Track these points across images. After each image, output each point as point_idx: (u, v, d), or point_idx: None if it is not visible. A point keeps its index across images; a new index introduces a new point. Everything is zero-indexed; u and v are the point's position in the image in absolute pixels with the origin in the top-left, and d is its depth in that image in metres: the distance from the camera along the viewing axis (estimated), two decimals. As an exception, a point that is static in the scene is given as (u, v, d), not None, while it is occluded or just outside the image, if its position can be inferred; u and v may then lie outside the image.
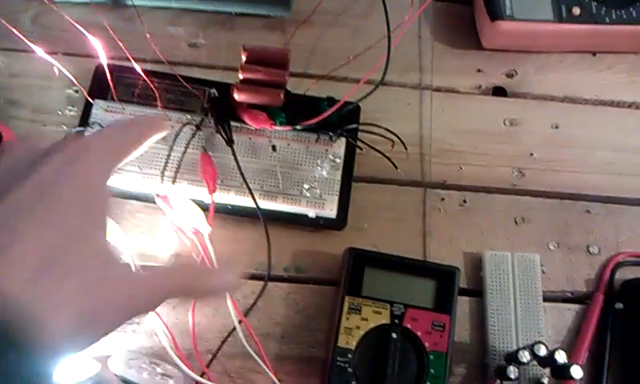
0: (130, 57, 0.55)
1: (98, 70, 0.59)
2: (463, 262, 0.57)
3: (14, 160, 0.31)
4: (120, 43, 0.55)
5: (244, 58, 0.53)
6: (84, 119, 0.58)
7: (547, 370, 0.51)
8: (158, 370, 0.51)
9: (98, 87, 0.59)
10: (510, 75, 0.65)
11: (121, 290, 0.30)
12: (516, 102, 0.64)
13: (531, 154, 0.62)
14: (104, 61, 0.54)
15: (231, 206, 0.56)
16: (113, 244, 0.32)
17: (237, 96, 0.54)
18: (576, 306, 0.56)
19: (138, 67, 0.54)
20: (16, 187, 0.28)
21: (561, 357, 0.47)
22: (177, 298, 0.35)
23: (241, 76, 0.53)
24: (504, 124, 0.63)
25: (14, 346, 0.24)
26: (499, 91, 0.65)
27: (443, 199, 0.59)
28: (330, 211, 0.55)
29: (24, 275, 0.26)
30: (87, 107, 0.58)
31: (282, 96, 0.53)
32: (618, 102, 0.65)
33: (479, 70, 0.65)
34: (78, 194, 0.30)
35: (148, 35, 0.57)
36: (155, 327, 0.52)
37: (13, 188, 0.28)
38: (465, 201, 0.60)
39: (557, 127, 0.63)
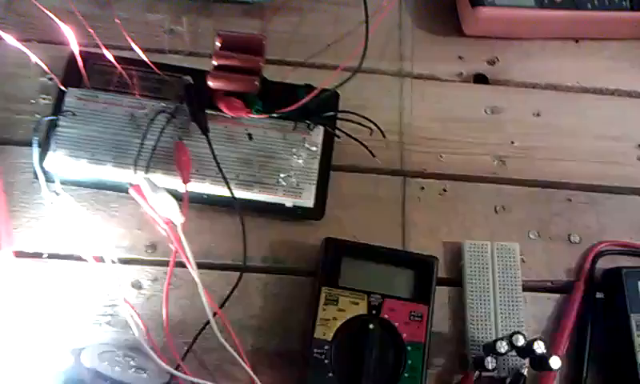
0: (100, 44, 0.54)
1: (71, 58, 0.57)
2: (443, 251, 0.56)
3: None
4: (90, 30, 0.54)
5: (218, 45, 0.52)
6: (57, 108, 0.57)
7: (527, 361, 0.50)
8: (132, 362, 0.50)
9: (72, 75, 0.57)
10: (491, 62, 0.65)
11: None
12: (497, 89, 0.64)
13: (512, 142, 0.61)
14: (75, 48, 0.53)
15: (207, 195, 0.55)
16: None
17: (211, 83, 0.52)
18: (556, 296, 0.56)
19: (109, 54, 0.53)
20: None
21: (539, 347, 0.47)
22: None
23: (215, 63, 0.52)
24: (485, 112, 0.62)
25: None
26: (480, 79, 0.64)
27: (423, 188, 0.59)
28: (308, 200, 0.54)
29: None
30: (60, 95, 0.57)
31: (257, 83, 0.52)
32: (600, 90, 0.64)
33: (460, 57, 0.65)
34: None
35: (118, 21, 0.56)
36: (129, 319, 0.51)
37: None
38: (445, 190, 0.59)
39: (538, 115, 0.63)
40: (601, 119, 0.63)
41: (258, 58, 0.53)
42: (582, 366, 0.53)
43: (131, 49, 0.57)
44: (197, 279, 0.51)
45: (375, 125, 0.56)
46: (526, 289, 0.55)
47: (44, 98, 0.59)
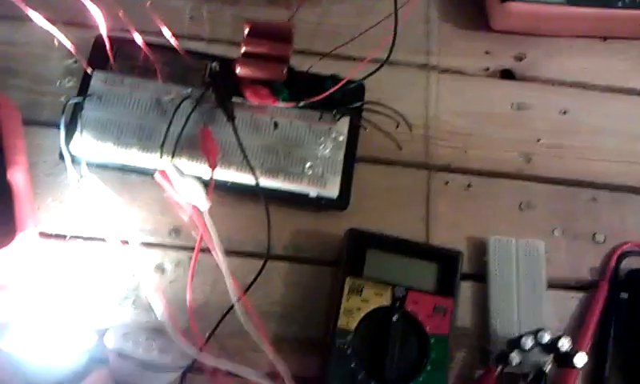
0: (130, 27, 0.54)
1: (98, 41, 0.57)
2: (466, 246, 0.56)
3: None
4: (120, 14, 0.54)
5: (246, 32, 0.52)
6: (82, 90, 0.56)
7: (548, 358, 0.50)
8: (155, 344, 0.50)
9: (98, 58, 0.57)
10: (518, 58, 0.64)
11: None
12: (524, 85, 0.63)
13: (538, 140, 0.61)
14: (104, 31, 0.53)
15: (231, 182, 0.55)
16: None
17: (239, 70, 0.52)
18: (580, 295, 0.56)
19: (139, 38, 0.53)
20: None
21: (565, 344, 0.47)
22: None
23: (243, 49, 0.52)
24: (511, 108, 0.62)
25: None
26: (507, 74, 0.64)
27: (447, 183, 0.58)
28: (332, 191, 0.54)
29: None
30: (86, 78, 0.57)
31: (285, 71, 0.52)
32: (627, 89, 0.64)
33: (487, 52, 0.64)
34: None
35: (148, 3, 0.56)
36: (153, 302, 0.51)
37: None
38: (469, 185, 0.58)
39: (565, 113, 0.62)
40: (627, 119, 0.62)
41: (286, 46, 0.52)
42: (603, 365, 0.53)
43: (155, 34, 0.57)
44: (223, 264, 0.51)
45: (402, 117, 0.55)
46: (549, 287, 0.55)
47: (69, 81, 0.59)
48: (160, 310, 0.51)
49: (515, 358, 0.47)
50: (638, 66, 0.65)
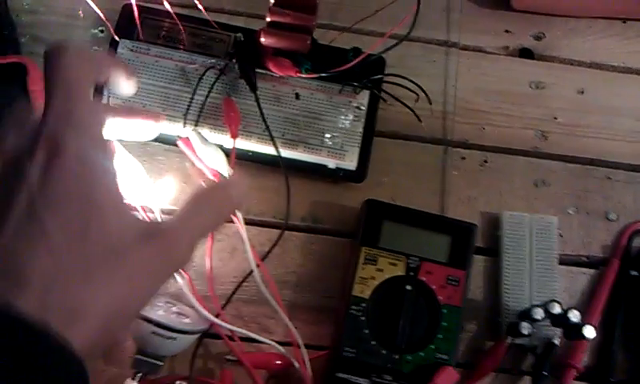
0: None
1: (126, 10, 0.59)
2: (480, 221, 0.57)
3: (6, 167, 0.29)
4: (149, -18, 0.55)
5: (272, 1, 0.53)
6: (109, 58, 0.58)
7: (558, 332, 0.51)
8: (174, 308, 0.51)
9: (125, 27, 0.59)
10: (537, 38, 0.65)
11: (149, 260, 0.30)
12: (543, 65, 0.64)
13: (555, 118, 0.61)
14: None
15: (252, 152, 0.56)
16: (127, 207, 0.31)
17: (263, 39, 0.53)
18: (591, 271, 0.56)
19: (168, 6, 0.54)
20: (10, 207, 0.28)
21: (575, 316, 0.48)
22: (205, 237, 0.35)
23: (268, 19, 0.53)
24: (530, 87, 0.62)
25: (58, 349, 0.25)
26: (526, 53, 0.64)
27: (464, 158, 0.59)
28: (351, 163, 0.55)
29: (44, 286, 0.26)
30: (113, 46, 0.58)
31: (308, 41, 0.53)
32: (645, 71, 0.64)
33: (507, 31, 0.65)
34: (71, 191, 0.28)
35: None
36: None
37: (7, 209, 0.28)
38: (485, 161, 0.59)
39: (582, 92, 0.63)
40: (643, 100, 0.63)
41: (311, 17, 0.53)
42: (612, 341, 0.54)
43: (181, 6, 0.58)
44: (242, 231, 0.52)
45: (422, 90, 0.56)
46: (561, 262, 0.55)
47: (95, 49, 0.60)
48: (179, 275, 0.52)
49: (526, 327, 0.49)
50: (657, 49, 0.65)
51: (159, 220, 0.52)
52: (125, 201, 0.31)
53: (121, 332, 0.30)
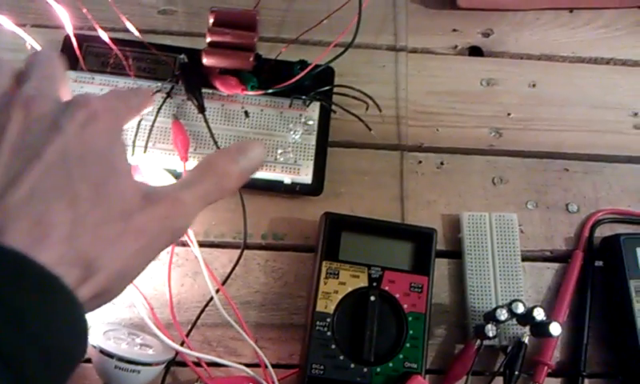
0: (95, 24, 0.54)
1: (67, 41, 0.57)
2: (442, 224, 0.57)
3: (33, 119, 0.31)
4: (85, 11, 0.54)
5: (211, 21, 0.52)
6: (52, 91, 0.56)
7: (527, 330, 0.51)
8: (137, 340, 0.50)
9: (67, 58, 0.57)
10: (485, 34, 0.65)
11: (150, 223, 0.31)
12: (492, 61, 0.64)
13: (508, 114, 0.61)
14: (70, 31, 0.52)
15: (205, 174, 0.55)
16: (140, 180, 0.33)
17: (205, 60, 0.52)
18: (555, 265, 0.56)
19: (104, 35, 0.53)
20: (40, 155, 0.29)
21: (539, 314, 0.47)
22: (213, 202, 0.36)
23: (208, 39, 0.52)
24: (481, 84, 0.62)
25: (69, 296, 0.26)
26: (475, 51, 0.64)
27: (420, 162, 0.59)
28: (306, 176, 0.55)
29: (63, 236, 0.27)
30: (55, 78, 0.57)
31: (251, 59, 0.52)
32: (595, 59, 0.65)
33: (455, 30, 0.65)
34: (99, 151, 0.31)
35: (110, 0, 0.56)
36: (133, 298, 0.51)
37: (37, 156, 0.29)
38: (442, 163, 0.59)
39: (534, 86, 0.63)
40: (596, 88, 0.63)
41: (252, 34, 0.52)
42: (582, 334, 0.53)
43: (125, 30, 0.57)
44: (199, 256, 0.51)
45: (371, 98, 0.56)
46: (524, 259, 0.55)
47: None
48: (141, 305, 0.51)
49: (491, 330, 0.48)
50: (605, 36, 0.65)
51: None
52: (132, 167, 0.33)
53: (118, 293, 0.31)
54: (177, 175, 0.53)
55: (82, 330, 0.27)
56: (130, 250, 0.30)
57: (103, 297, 0.30)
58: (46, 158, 0.29)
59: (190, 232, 0.52)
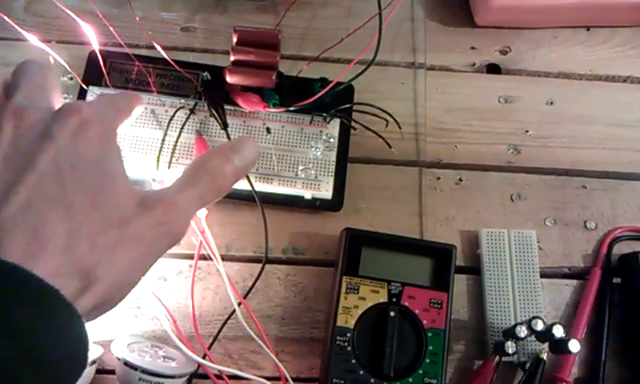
0: (120, 41, 0.55)
1: (92, 57, 0.58)
2: (460, 240, 0.57)
3: (24, 128, 0.30)
4: (111, 29, 0.55)
5: (235, 40, 0.53)
6: (78, 106, 0.57)
7: (546, 346, 0.51)
8: (160, 352, 0.51)
9: (92, 74, 0.58)
10: (503, 52, 0.65)
11: (146, 230, 0.31)
12: (510, 78, 0.64)
13: (526, 131, 0.62)
14: (96, 47, 0.53)
15: (227, 189, 0.56)
16: (133, 186, 0.33)
17: (229, 78, 0.53)
18: (574, 282, 0.56)
19: (129, 52, 0.54)
20: (33, 164, 0.28)
21: (558, 331, 0.48)
22: (209, 203, 0.36)
23: (232, 58, 0.53)
24: (499, 101, 0.63)
25: (67, 308, 0.26)
26: (493, 68, 0.65)
27: (439, 178, 0.59)
28: (326, 192, 0.55)
29: (60, 247, 0.27)
30: (82, 94, 0.58)
31: (274, 77, 0.53)
32: (612, 77, 0.65)
33: (473, 48, 0.65)
34: (92, 159, 0.30)
35: (137, 18, 0.57)
36: (157, 311, 0.52)
37: (30, 165, 0.28)
38: (460, 179, 0.59)
39: (552, 103, 0.63)
40: (613, 106, 0.63)
41: (274, 53, 0.53)
42: (600, 351, 0.53)
43: (149, 47, 0.58)
44: (222, 270, 0.52)
45: (391, 116, 0.56)
46: (543, 275, 0.56)
47: (66, 97, 0.60)
48: (164, 318, 0.52)
49: (511, 346, 0.49)
50: (621, 54, 0.66)
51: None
52: (129, 178, 0.33)
53: (119, 301, 0.31)
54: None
55: (81, 342, 0.27)
56: (128, 258, 0.30)
57: (104, 306, 0.30)
58: (39, 167, 0.28)
59: (213, 246, 0.53)
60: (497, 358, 0.51)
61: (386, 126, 0.56)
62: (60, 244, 0.27)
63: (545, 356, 0.51)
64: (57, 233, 0.27)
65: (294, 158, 0.56)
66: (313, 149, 0.56)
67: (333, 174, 0.56)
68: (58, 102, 0.35)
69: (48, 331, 0.25)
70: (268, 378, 0.51)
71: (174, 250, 0.54)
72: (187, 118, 0.56)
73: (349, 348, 0.50)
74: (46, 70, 0.35)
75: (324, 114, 0.56)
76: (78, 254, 0.27)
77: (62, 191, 0.28)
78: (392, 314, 0.50)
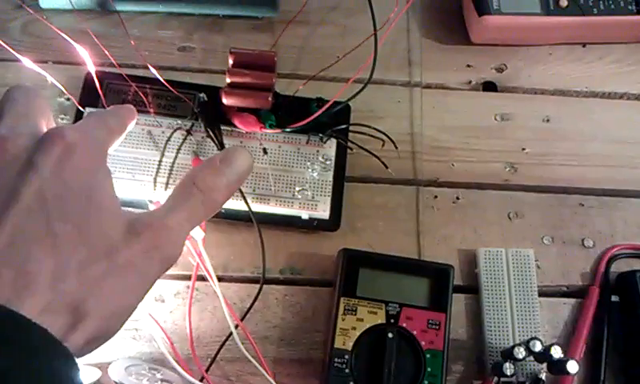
0: (116, 64, 0.55)
1: (88, 78, 0.59)
2: (458, 259, 0.57)
3: (6, 161, 0.29)
4: (106, 51, 0.55)
5: (231, 62, 0.53)
6: (75, 128, 0.57)
7: (545, 366, 0.51)
8: (158, 375, 0.51)
9: (89, 95, 0.58)
10: (499, 70, 0.65)
11: (136, 257, 0.30)
12: (506, 96, 0.64)
13: (523, 149, 0.62)
14: (92, 69, 0.53)
15: (224, 210, 0.55)
16: (123, 210, 0.32)
17: (225, 100, 0.53)
18: (572, 300, 0.56)
19: (124, 74, 0.54)
20: (17, 198, 0.28)
21: (556, 352, 0.47)
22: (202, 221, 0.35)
23: (228, 80, 0.53)
24: (495, 119, 0.63)
25: (56, 346, 0.25)
26: (489, 86, 0.65)
27: (436, 197, 0.59)
28: (323, 212, 0.55)
29: (47, 283, 0.26)
30: (78, 115, 0.58)
31: (269, 99, 0.53)
32: (609, 93, 0.65)
33: (469, 66, 0.65)
34: (79, 186, 0.29)
35: (132, 42, 0.57)
36: (154, 333, 0.52)
37: (14, 200, 0.28)
38: (458, 198, 0.59)
39: (548, 121, 0.63)
40: (610, 123, 0.64)
41: (270, 75, 0.53)
42: (599, 370, 0.53)
43: (145, 67, 0.58)
44: (218, 292, 0.52)
45: (387, 136, 0.56)
46: (541, 294, 0.55)
47: (62, 118, 0.60)
48: (161, 340, 0.51)
49: (509, 368, 0.48)
50: (617, 71, 0.66)
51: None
52: (119, 203, 0.32)
53: (116, 331, 0.30)
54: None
55: (71, 381, 0.26)
56: (119, 288, 0.29)
57: (99, 338, 0.29)
58: (23, 200, 0.27)
59: (210, 268, 0.53)
60: (495, 378, 0.51)
61: (382, 145, 0.56)
62: (47, 280, 0.26)
63: (544, 376, 0.51)
64: (43, 268, 0.26)
65: (291, 178, 0.56)
66: (310, 169, 0.56)
67: (330, 193, 0.56)
68: (48, 125, 0.34)
69: (37, 375, 0.24)
70: (266, 401, 0.51)
71: (171, 271, 0.53)
72: (184, 139, 0.56)
73: (347, 370, 0.49)
74: (30, 96, 0.34)
75: (320, 135, 0.56)
76: (66, 289, 0.27)
77: (47, 224, 0.27)
78: (390, 335, 0.50)
